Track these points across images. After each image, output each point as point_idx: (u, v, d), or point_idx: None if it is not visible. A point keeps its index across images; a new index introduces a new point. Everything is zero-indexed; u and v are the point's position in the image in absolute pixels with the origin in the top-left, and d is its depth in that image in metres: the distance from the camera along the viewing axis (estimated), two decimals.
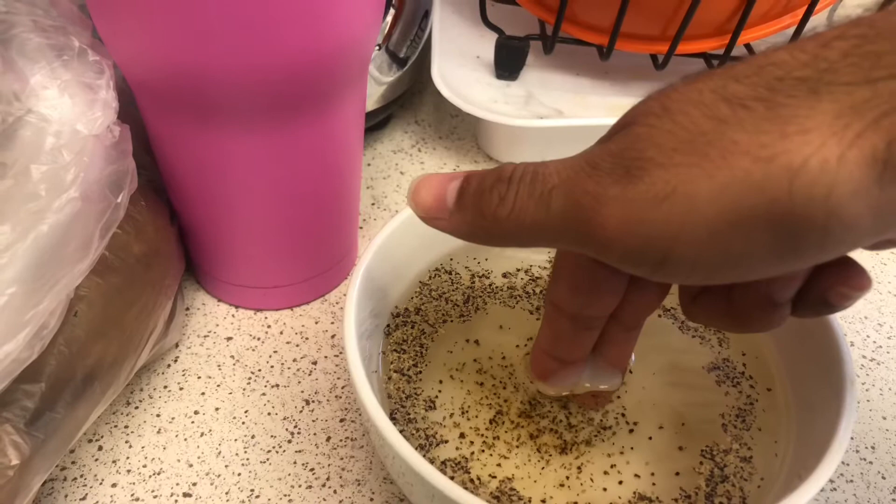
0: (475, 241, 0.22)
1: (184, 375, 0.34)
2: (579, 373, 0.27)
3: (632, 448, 0.27)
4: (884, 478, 0.32)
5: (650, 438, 0.27)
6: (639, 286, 0.24)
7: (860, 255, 0.20)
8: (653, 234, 0.17)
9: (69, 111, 0.25)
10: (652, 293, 0.24)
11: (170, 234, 0.33)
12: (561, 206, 0.19)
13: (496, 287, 0.33)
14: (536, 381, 0.28)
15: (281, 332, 0.37)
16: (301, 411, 0.33)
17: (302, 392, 0.34)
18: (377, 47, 0.43)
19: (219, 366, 0.35)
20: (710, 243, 0.17)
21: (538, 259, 0.34)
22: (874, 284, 0.40)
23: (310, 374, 0.35)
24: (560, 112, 0.45)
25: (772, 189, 0.16)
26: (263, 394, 0.34)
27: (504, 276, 0.33)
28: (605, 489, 0.26)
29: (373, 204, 0.44)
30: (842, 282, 0.20)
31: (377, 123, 0.48)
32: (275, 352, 0.36)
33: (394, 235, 0.30)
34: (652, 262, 0.18)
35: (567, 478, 0.26)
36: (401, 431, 0.23)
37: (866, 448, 0.33)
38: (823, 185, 0.15)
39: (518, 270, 0.33)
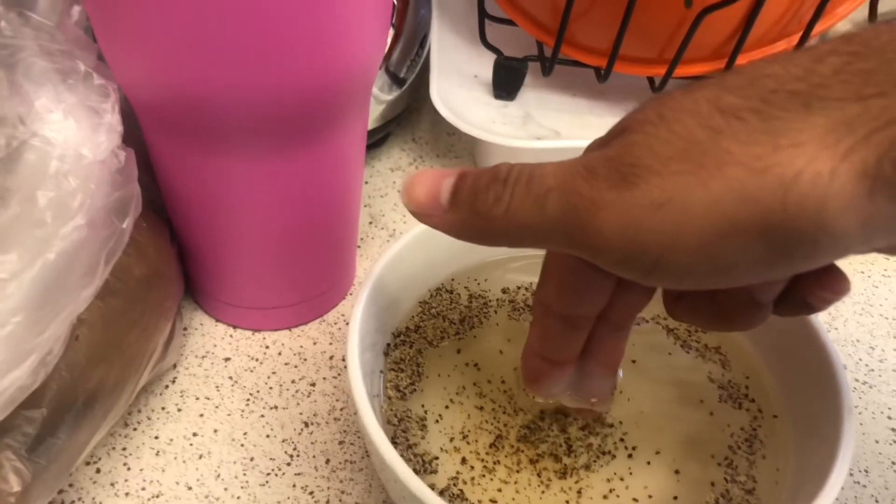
0: (467, 240, 0.22)
1: (182, 396, 0.34)
2: (569, 376, 0.27)
3: (630, 473, 0.27)
4: (877, 501, 0.32)
5: (648, 463, 0.28)
6: (627, 286, 0.24)
7: (846, 267, 0.20)
8: (647, 240, 0.18)
9: (74, 135, 0.25)
10: (640, 293, 0.24)
11: (170, 255, 0.33)
12: (557, 208, 0.19)
13: (497, 301, 0.33)
14: (527, 386, 0.28)
15: (279, 353, 0.37)
16: (300, 433, 0.33)
17: (301, 414, 0.34)
18: None
19: (217, 387, 0.35)
20: (703, 252, 0.17)
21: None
22: (866, 308, 0.41)
23: (308, 396, 0.35)
24: (557, 133, 0.45)
25: (765, 201, 0.16)
26: (262, 415, 0.34)
27: (503, 291, 0.33)
28: None
29: (370, 223, 0.44)
30: (822, 286, 0.20)
31: (375, 142, 0.48)
32: (273, 373, 0.36)
33: (397, 258, 0.30)
34: (645, 267, 0.18)
35: (567, 502, 0.26)
36: (401, 455, 0.24)
37: (860, 472, 0.33)
38: (815, 199, 0.15)
39: (518, 288, 0.34)
